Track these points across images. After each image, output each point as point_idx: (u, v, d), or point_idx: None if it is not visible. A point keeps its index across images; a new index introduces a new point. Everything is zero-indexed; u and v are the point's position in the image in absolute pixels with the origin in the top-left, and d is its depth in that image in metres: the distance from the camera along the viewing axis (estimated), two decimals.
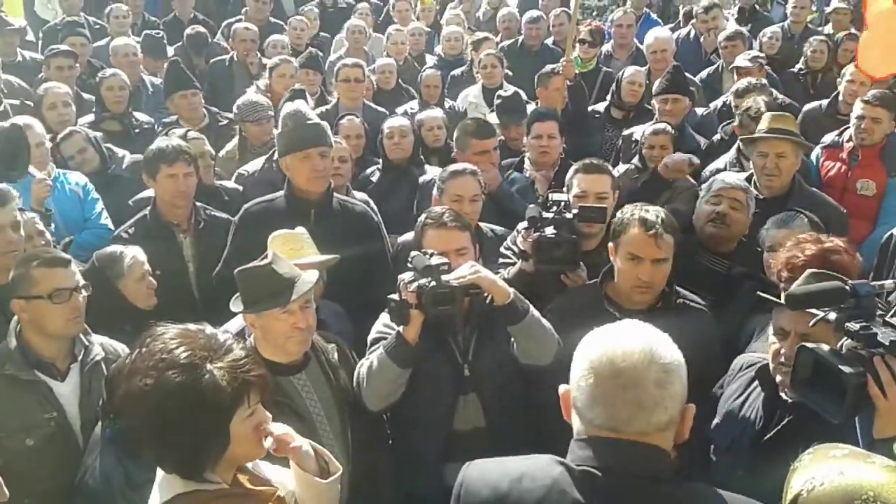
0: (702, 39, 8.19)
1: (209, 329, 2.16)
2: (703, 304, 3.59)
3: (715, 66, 7.67)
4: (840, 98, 6.63)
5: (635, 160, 5.50)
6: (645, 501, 1.79)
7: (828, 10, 9.57)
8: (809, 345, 2.22)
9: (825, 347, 2.18)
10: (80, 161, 5.54)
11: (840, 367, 2.10)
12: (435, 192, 4.33)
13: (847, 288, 2.16)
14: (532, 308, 3.24)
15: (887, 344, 2.09)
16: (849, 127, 5.92)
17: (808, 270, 2.87)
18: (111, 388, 3.02)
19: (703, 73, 7.69)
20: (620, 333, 1.83)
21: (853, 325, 2.13)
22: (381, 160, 5.75)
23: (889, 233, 4.58)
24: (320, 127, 4.32)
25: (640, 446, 1.79)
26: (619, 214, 3.52)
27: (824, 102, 6.83)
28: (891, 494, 1.62)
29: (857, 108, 5.70)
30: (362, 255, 4.00)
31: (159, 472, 2.11)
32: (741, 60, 7.00)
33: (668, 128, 5.45)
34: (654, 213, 3.41)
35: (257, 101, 6.07)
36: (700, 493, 1.88)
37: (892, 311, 2.18)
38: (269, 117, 5.94)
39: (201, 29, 8.87)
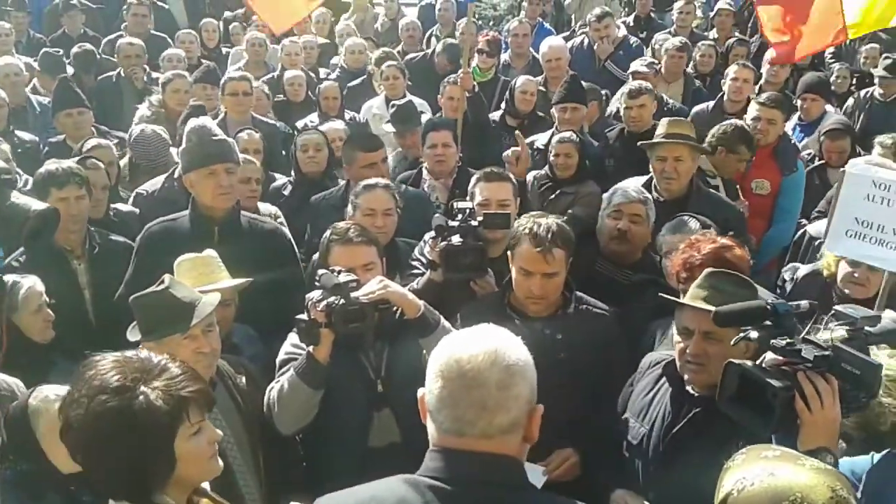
0: (595, 47, 8.37)
1: (145, 353, 2.12)
2: (605, 309, 3.65)
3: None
4: (725, 97, 6.89)
5: (545, 169, 5.60)
6: None
7: (712, 14, 9.93)
8: (736, 361, 2.32)
9: (749, 363, 2.28)
10: None
11: (768, 381, 2.19)
12: (349, 207, 4.27)
13: (769, 307, 2.28)
14: (443, 319, 3.24)
15: (811, 359, 2.21)
16: None
17: (707, 270, 2.97)
18: (11, 429, 2.90)
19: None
20: (468, 338, 1.87)
21: (779, 342, 2.24)
22: (292, 173, 5.69)
23: (803, 229, 4.80)
24: (226, 143, 4.23)
25: (486, 456, 1.80)
26: (515, 225, 3.57)
27: (710, 103, 7.09)
28: (818, 496, 1.67)
29: (752, 110, 5.94)
30: (273, 276, 3.89)
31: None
32: (637, 65, 7.21)
33: (573, 136, 5.59)
34: (545, 226, 3.44)
35: (150, 137, 5.79)
36: (551, 501, 1.92)
37: (807, 329, 2.29)
38: (164, 154, 5.74)
39: (88, 46, 8.57)
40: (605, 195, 4.44)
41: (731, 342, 2.46)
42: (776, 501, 1.68)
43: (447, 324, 3.24)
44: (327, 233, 3.57)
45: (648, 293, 3.83)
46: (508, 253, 3.54)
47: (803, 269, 4.42)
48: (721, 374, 2.35)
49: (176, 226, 4.17)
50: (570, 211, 5.07)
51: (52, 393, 2.90)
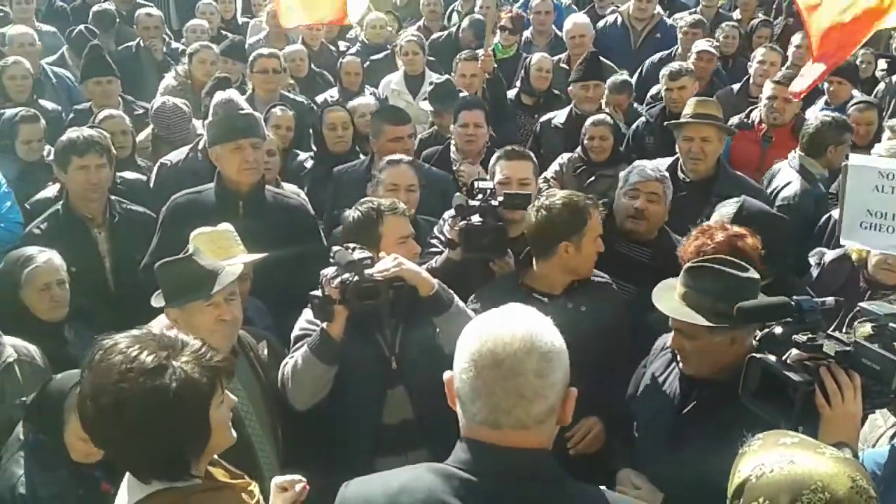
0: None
1: (152, 331, 2.09)
2: (604, 277, 3.66)
3: (669, 51, 7.73)
4: (751, 81, 6.83)
5: (578, 151, 5.58)
6: None
7: None
8: (758, 355, 2.31)
9: (772, 358, 2.27)
10: (35, 148, 5.40)
11: (789, 375, 2.19)
12: (372, 181, 4.25)
13: (792, 303, 2.27)
14: (456, 298, 3.24)
15: (833, 354, 2.21)
16: (755, 108, 6.13)
17: (686, 265, 2.90)
18: (44, 400, 2.97)
19: (655, 58, 7.67)
20: (501, 322, 1.80)
21: (800, 338, 2.24)
22: (312, 146, 5.67)
23: (827, 214, 4.75)
24: (253, 117, 4.21)
25: (520, 452, 1.76)
26: (535, 212, 3.52)
27: (735, 86, 7.03)
28: (839, 486, 1.65)
29: (768, 89, 5.91)
30: (296, 251, 3.88)
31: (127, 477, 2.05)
32: (704, 44, 7.11)
33: (608, 118, 5.57)
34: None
35: (169, 110, 5.80)
36: (582, 495, 1.86)
37: (835, 324, 2.28)
38: (184, 127, 5.75)
39: (108, 6, 8.54)
40: (621, 174, 4.41)
41: (757, 338, 2.46)
42: (796, 489, 1.66)
43: (461, 303, 3.25)
44: (370, 205, 3.50)
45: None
46: (565, 246, 3.46)
47: (830, 255, 4.38)
48: (744, 369, 2.34)
49: (201, 198, 4.18)
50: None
51: None
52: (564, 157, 5.56)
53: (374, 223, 3.42)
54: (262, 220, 4.03)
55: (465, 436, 1.82)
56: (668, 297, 2.85)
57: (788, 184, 5.13)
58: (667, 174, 4.32)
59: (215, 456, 2.17)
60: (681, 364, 2.90)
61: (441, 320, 3.20)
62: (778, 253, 3.63)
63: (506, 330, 1.77)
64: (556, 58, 7.49)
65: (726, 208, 3.89)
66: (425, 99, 6.34)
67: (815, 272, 4.37)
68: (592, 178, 5.42)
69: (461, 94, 6.13)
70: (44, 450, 2.93)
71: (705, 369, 2.81)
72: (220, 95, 4.26)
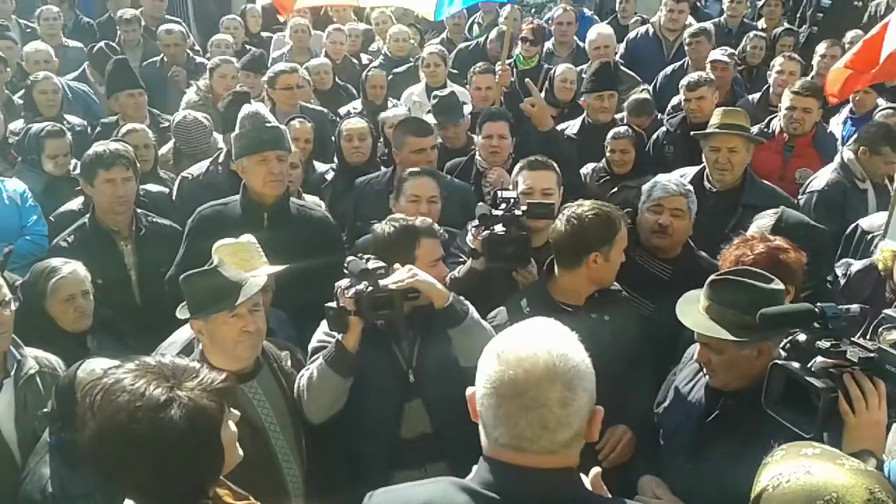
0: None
1: (153, 359, 2.07)
2: (619, 288, 3.63)
3: (680, 62, 7.70)
4: (771, 90, 6.79)
5: (602, 162, 5.59)
6: None
7: (759, 3, 9.75)
8: (781, 362, 2.29)
9: (796, 364, 2.25)
10: (61, 163, 5.46)
11: (812, 382, 2.17)
12: (394, 193, 4.26)
13: (816, 311, 2.24)
14: (472, 310, 3.22)
15: (856, 360, 2.18)
16: (774, 117, 6.08)
17: (710, 278, 2.86)
18: (59, 397, 2.99)
19: (668, 70, 7.70)
20: (523, 344, 1.73)
21: (823, 344, 2.21)
22: (335, 161, 5.68)
23: (854, 223, 4.71)
24: (279, 130, 4.23)
25: (545, 472, 1.73)
26: (563, 222, 3.49)
27: (756, 95, 7.00)
28: (855, 497, 1.62)
29: (787, 99, 5.87)
30: (318, 264, 3.86)
31: None
32: (719, 54, 7.05)
33: (629, 131, 5.56)
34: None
35: (190, 124, 5.87)
36: None
37: (861, 331, 2.25)
38: (205, 141, 5.83)
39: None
40: (644, 188, 4.35)
41: (781, 344, 2.43)
42: (811, 500, 1.64)
43: (476, 315, 3.22)
44: (406, 224, 3.45)
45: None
46: (594, 256, 3.42)
47: (857, 265, 4.32)
48: (767, 376, 2.32)
49: (227, 210, 4.21)
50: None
51: (98, 367, 2.96)
52: (589, 167, 5.55)
53: (412, 244, 3.37)
54: (286, 231, 4.05)
55: (489, 455, 1.78)
56: (692, 310, 2.83)
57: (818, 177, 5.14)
58: (691, 188, 4.27)
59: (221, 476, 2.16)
60: (708, 377, 2.87)
61: (455, 332, 3.17)
62: (818, 265, 3.60)
63: (528, 353, 1.71)
64: (578, 68, 7.50)
65: (764, 220, 3.85)
66: (429, 112, 6.32)
67: (841, 282, 4.31)
68: (615, 188, 5.41)
69: (465, 107, 6.13)
70: (69, 449, 2.91)
71: (733, 382, 2.78)
72: (247, 108, 4.29)
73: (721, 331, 2.68)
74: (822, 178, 5.29)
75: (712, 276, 2.85)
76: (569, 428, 1.71)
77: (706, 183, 4.77)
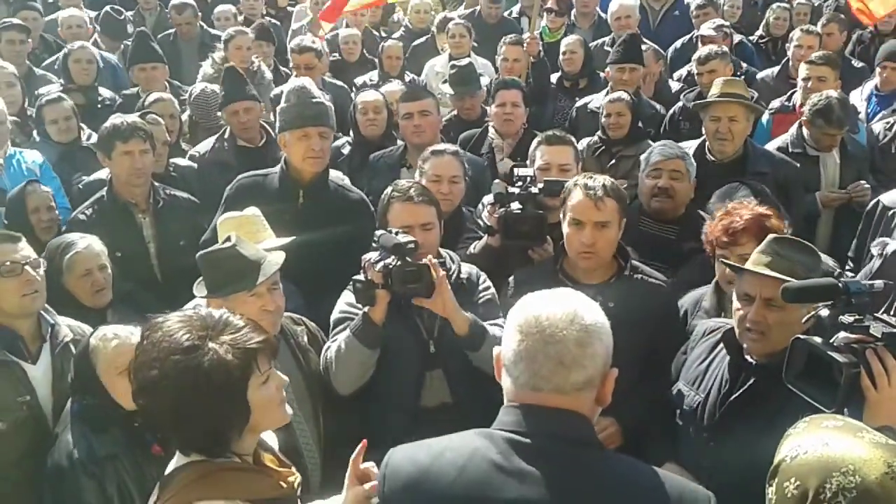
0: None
1: (206, 309, 2.16)
2: (662, 281, 3.56)
3: (689, 35, 7.64)
4: (790, 63, 6.70)
5: (598, 133, 5.50)
6: (565, 464, 1.81)
7: None
8: (803, 336, 2.27)
9: (818, 339, 2.23)
10: (63, 128, 5.46)
11: (834, 356, 2.15)
12: (416, 172, 4.23)
13: (840, 285, 2.23)
14: (489, 330, 3.21)
15: (879, 336, 2.16)
16: (795, 91, 6.01)
17: (771, 236, 2.91)
18: (77, 365, 3.05)
19: (678, 43, 7.65)
20: (548, 298, 1.91)
21: (846, 319, 2.20)
22: (350, 135, 5.66)
23: (875, 199, 4.64)
24: (324, 106, 4.19)
25: (560, 412, 1.84)
26: (566, 184, 3.48)
27: (776, 69, 6.91)
28: (872, 470, 1.61)
29: (803, 71, 5.88)
30: (349, 243, 3.80)
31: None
32: (705, 29, 7.03)
33: (625, 95, 5.47)
34: (599, 180, 3.37)
35: (208, 96, 5.88)
36: (623, 463, 1.93)
37: (883, 310, 2.22)
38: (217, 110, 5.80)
39: None
40: (642, 156, 4.38)
41: (802, 319, 2.41)
42: (826, 471, 1.63)
43: (496, 332, 3.18)
44: (388, 190, 3.54)
45: (694, 262, 3.82)
46: (561, 215, 3.45)
47: (893, 244, 4.22)
48: (787, 349, 2.29)
49: (265, 182, 4.21)
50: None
51: (110, 332, 3.03)
52: (584, 143, 5.42)
53: (384, 210, 3.44)
54: (320, 209, 4.05)
55: (510, 400, 1.90)
56: (755, 268, 2.79)
57: None
58: (688, 151, 4.30)
59: (269, 443, 2.22)
60: (750, 343, 2.79)
61: (476, 356, 3.21)
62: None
63: (552, 303, 1.88)
64: (601, 40, 7.40)
65: (740, 192, 3.95)
66: (445, 82, 6.27)
67: (876, 263, 4.19)
68: (613, 160, 5.32)
69: (482, 79, 6.10)
70: (92, 413, 2.98)
71: (779, 345, 2.65)
72: (294, 82, 4.28)
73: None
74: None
75: (773, 235, 2.89)
76: (583, 370, 1.82)
77: (708, 154, 4.73)
